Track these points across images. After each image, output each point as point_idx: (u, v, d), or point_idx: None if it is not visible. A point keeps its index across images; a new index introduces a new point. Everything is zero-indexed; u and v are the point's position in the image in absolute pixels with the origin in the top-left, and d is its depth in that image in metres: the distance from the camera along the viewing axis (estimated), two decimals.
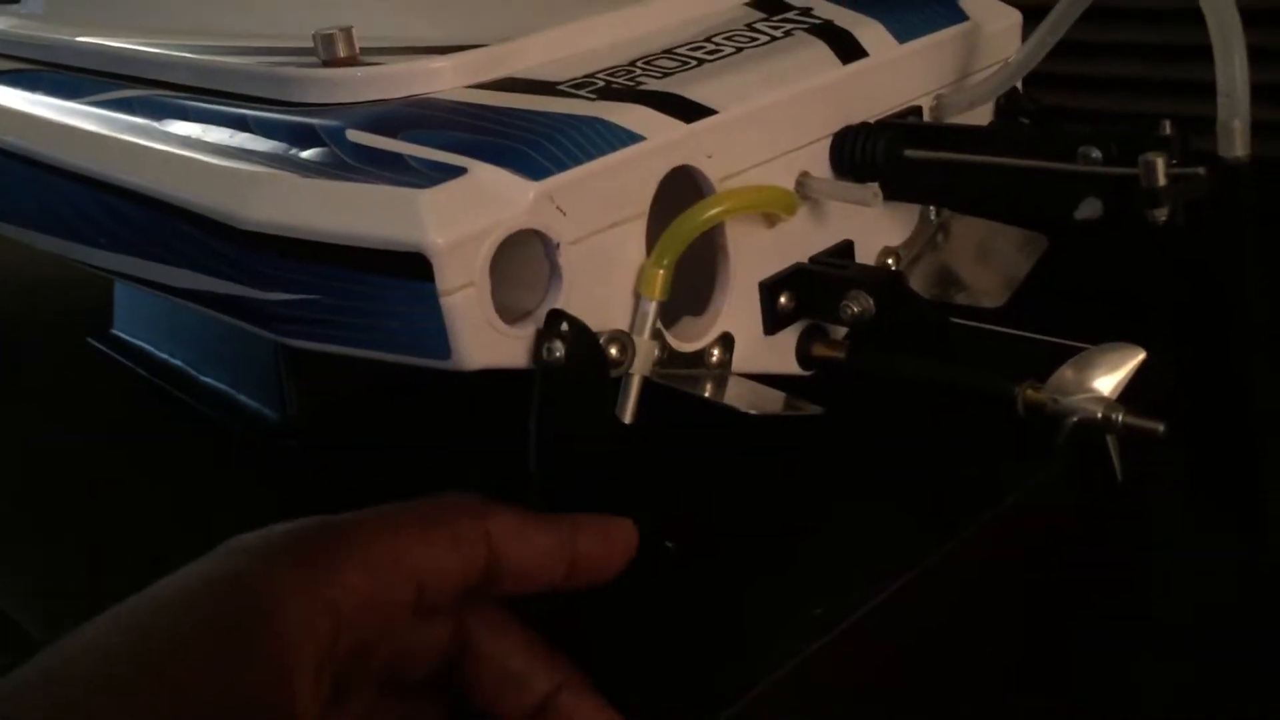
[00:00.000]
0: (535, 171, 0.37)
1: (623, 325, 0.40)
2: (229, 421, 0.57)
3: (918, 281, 0.49)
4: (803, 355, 0.46)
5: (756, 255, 0.44)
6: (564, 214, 0.37)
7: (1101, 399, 0.39)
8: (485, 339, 0.36)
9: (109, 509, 0.52)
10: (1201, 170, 0.38)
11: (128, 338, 0.66)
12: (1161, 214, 0.38)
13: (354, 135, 0.39)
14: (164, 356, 0.63)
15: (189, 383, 0.60)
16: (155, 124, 0.45)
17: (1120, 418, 0.38)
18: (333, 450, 0.53)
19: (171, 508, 0.51)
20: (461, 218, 0.36)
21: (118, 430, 0.59)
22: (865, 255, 0.47)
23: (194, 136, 0.44)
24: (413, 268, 0.35)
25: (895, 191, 0.44)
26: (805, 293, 0.44)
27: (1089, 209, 0.40)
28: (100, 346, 0.66)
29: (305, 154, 0.40)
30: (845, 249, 0.46)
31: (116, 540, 0.50)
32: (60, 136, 0.48)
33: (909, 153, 0.43)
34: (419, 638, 0.33)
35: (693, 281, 0.43)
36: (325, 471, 0.51)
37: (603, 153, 0.38)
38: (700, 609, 0.41)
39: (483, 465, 0.48)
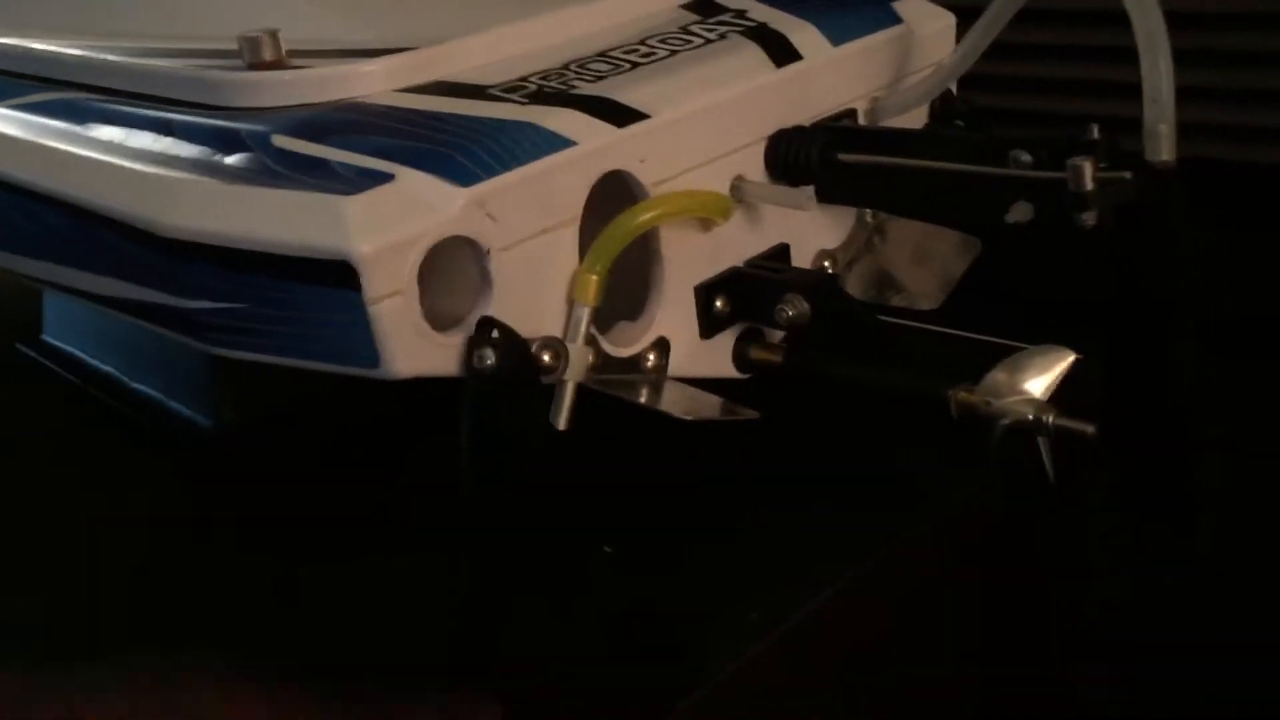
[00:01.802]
0: (464, 178, 0.37)
1: (556, 332, 0.39)
2: (161, 429, 0.56)
3: (855, 284, 0.49)
4: (739, 359, 0.46)
5: (692, 259, 0.43)
6: (494, 220, 0.37)
7: (1033, 401, 0.39)
8: (414, 347, 0.36)
9: (37, 517, 0.51)
10: (1129, 174, 0.38)
11: (58, 344, 0.64)
12: (1090, 218, 0.38)
13: (279, 140, 0.39)
14: (95, 363, 0.61)
15: (120, 390, 0.59)
16: (78, 128, 0.44)
17: (1051, 419, 0.38)
18: (265, 459, 0.52)
19: (102, 516, 0.50)
20: (388, 225, 0.35)
21: (48, 438, 0.58)
22: (802, 258, 0.47)
23: (117, 141, 0.43)
24: (339, 276, 0.35)
25: (830, 195, 0.44)
26: (741, 296, 0.44)
27: (1020, 213, 0.41)
28: (30, 353, 0.64)
29: (230, 160, 0.39)
30: (781, 252, 0.46)
31: (42, 548, 0.48)
32: None
33: (843, 156, 0.44)
34: None
35: (627, 286, 0.42)
36: (257, 480, 0.51)
37: (534, 158, 0.38)
38: (638, 614, 0.41)
39: (414, 473, 0.48)
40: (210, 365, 0.54)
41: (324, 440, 0.52)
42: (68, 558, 0.47)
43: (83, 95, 0.47)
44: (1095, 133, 0.40)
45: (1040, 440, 0.39)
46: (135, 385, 0.59)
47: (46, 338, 0.65)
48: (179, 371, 0.56)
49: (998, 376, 0.40)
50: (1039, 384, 0.39)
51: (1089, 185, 0.38)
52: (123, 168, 0.40)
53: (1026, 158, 0.41)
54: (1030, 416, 0.39)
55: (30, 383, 0.62)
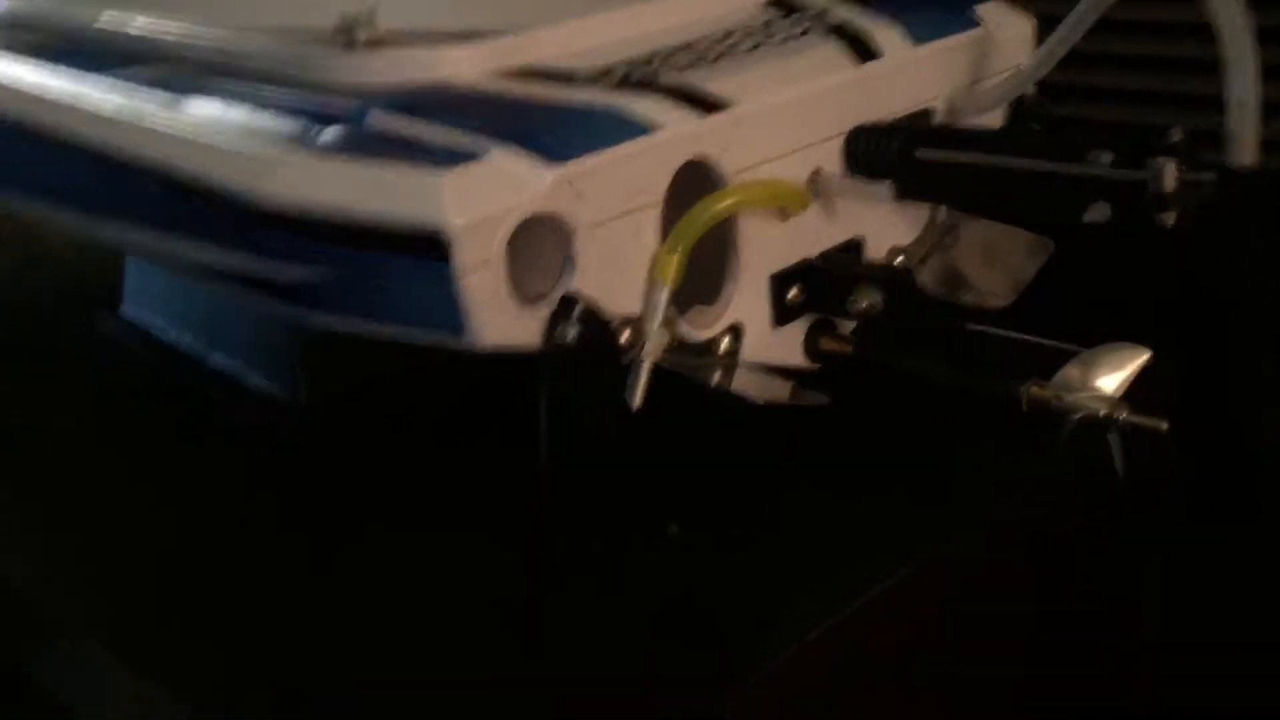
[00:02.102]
0: (554, 156, 0.38)
1: (634, 312, 0.40)
2: (239, 402, 0.57)
3: (925, 281, 0.50)
4: (810, 348, 0.46)
5: (768, 248, 0.44)
6: (581, 199, 0.38)
7: (1105, 397, 0.39)
8: (499, 319, 0.37)
9: (116, 492, 0.52)
10: (1211, 176, 0.38)
11: (136, 317, 0.66)
12: (1170, 218, 0.39)
13: (375, 118, 0.40)
14: (173, 336, 0.63)
15: (198, 363, 0.61)
16: (175, 101, 0.46)
17: (1123, 416, 0.39)
18: (343, 434, 0.53)
19: (180, 491, 0.51)
20: (480, 200, 0.36)
21: (125, 410, 0.59)
22: (874, 253, 0.48)
23: (215, 115, 0.44)
24: (431, 248, 0.36)
25: (906, 191, 0.45)
26: (814, 287, 0.45)
27: (1097, 213, 0.41)
28: (108, 325, 0.66)
29: (326, 135, 0.40)
30: (854, 246, 0.47)
31: (122, 523, 0.50)
32: (81, 113, 0.48)
33: (921, 153, 0.44)
34: None
35: (703, 272, 0.43)
36: (335, 455, 0.52)
37: (620, 141, 0.39)
38: (700, 594, 0.41)
39: (492, 452, 0.49)
40: (289, 340, 0.55)
41: (400, 416, 0.53)
42: (142, 535, 0.48)
43: (179, 71, 0.48)
44: (1177, 136, 0.40)
45: (1111, 437, 0.40)
46: (213, 359, 0.60)
47: (125, 311, 0.66)
48: (258, 346, 0.58)
49: (1071, 372, 0.40)
50: (1112, 380, 0.40)
51: (1171, 186, 0.38)
52: (221, 139, 0.42)
53: (1106, 158, 0.41)
54: (1102, 413, 0.39)
55: (108, 355, 0.64)
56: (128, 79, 0.49)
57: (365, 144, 0.39)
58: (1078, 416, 0.39)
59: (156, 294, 0.65)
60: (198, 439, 0.56)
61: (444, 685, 0.38)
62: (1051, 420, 0.40)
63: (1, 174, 0.53)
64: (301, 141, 0.40)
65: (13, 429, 0.58)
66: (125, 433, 0.57)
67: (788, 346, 0.46)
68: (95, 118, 0.47)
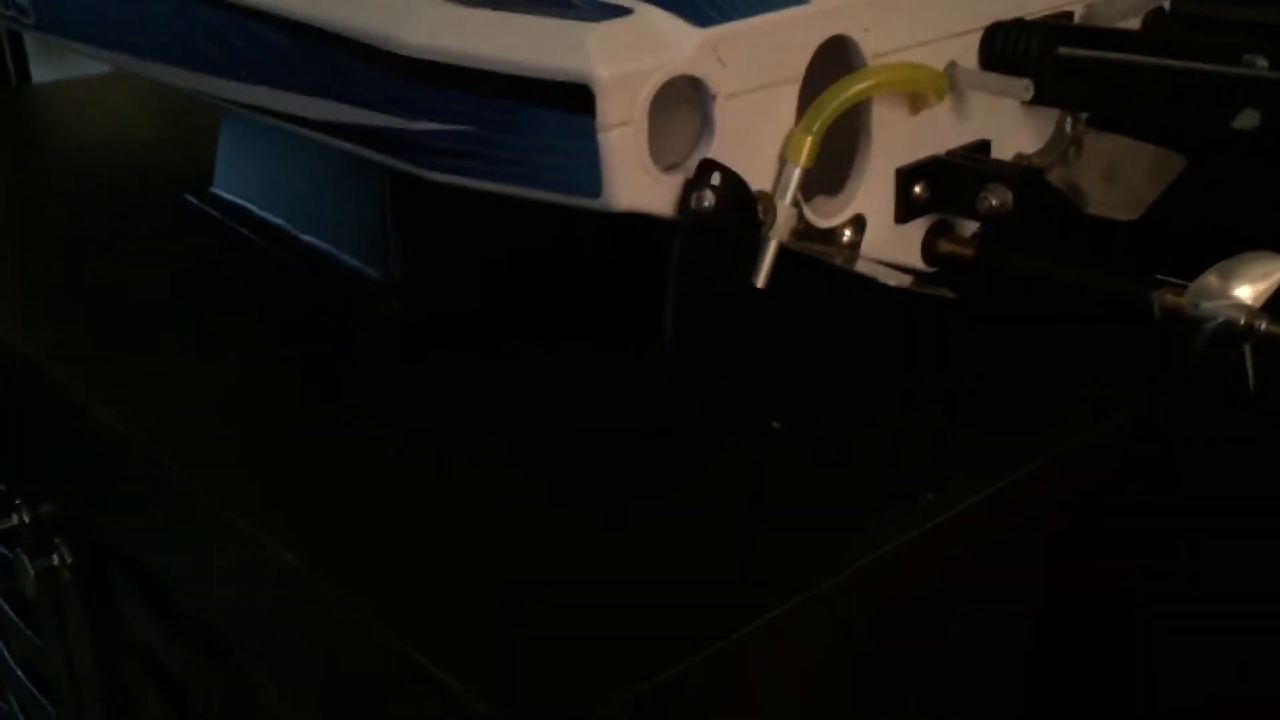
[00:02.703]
0: (701, 18, 0.37)
1: (765, 188, 0.39)
2: (329, 281, 0.57)
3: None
4: (928, 251, 0.46)
5: (897, 142, 0.43)
6: (724, 66, 0.37)
7: (1244, 306, 0.38)
8: (636, 180, 0.36)
9: (204, 372, 0.52)
10: None
11: (228, 196, 0.65)
12: None
13: None
14: (264, 215, 0.63)
15: (289, 241, 0.60)
16: None
17: (1264, 325, 0.38)
18: (434, 314, 0.53)
19: (268, 371, 0.51)
20: (627, 55, 0.35)
21: (213, 286, 0.59)
22: (999, 157, 0.47)
23: None
24: (574, 100, 0.35)
25: (1044, 92, 0.44)
26: (941, 184, 0.44)
27: (1247, 120, 0.40)
28: (199, 204, 0.66)
29: None
30: (982, 147, 0.46)
31: (208, 401, 0.49)
32: None
33: (1063, 50, 0.43)
34: None
35: (831, 162, 0.42)
36: (425, 334, 0.52)
37: (767, 10, 0.38)
38: (799, 492, 0.41)
39: (585, 331, 0.49)
40: (381, 218, 0.55)
41: (491, 299, 0.52)
42: (232, 409, 0.48)
43: None
44: None
45: (1246, 348, 0.39)
46: (304, 237, 0.60)
47: (216, 190, 0.66)
48: (348, 224, 0.57)
49: (1209, 279, 0.39)
50: (1251, 290, 0.39)
51: None
52: None
53: (1263, 62, 0.40)
54: (1241, 321, 0.38)
55: (199, 233, 0.64)
56: None
57: None
58: (1215, 324, 0.38)
59: (248, 174, 0.65)
60: (292, 311, 0.56)
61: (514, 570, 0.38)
62: (1184, 329, 0.39)
63: (124, 33, 0.53)
64: None
65: (112, 306, 0.58)
66: (222, 307, 0.57)
67: (907, 245, 0.45)
68: None
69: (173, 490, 0.46)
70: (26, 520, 0.60)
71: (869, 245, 0.43)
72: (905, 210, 0.44)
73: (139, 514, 0.51)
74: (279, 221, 0.62)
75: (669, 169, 0.38)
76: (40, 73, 1.22)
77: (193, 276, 0.60)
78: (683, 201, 0.37)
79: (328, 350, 0.53)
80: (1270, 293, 0.39)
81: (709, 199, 0.37)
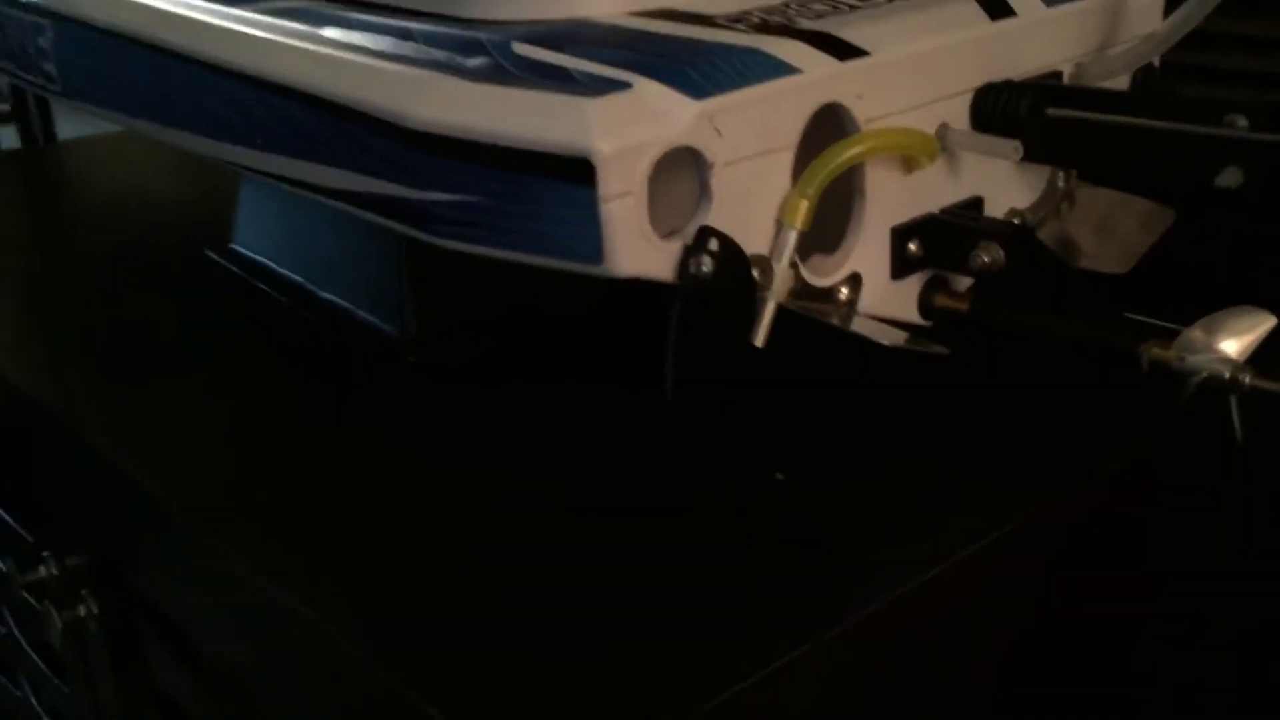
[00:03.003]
0: (698, 91, 0.38)
1: (761, 252, 0.41)
2: (348, 337, 0.58)
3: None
4: (924, 305, 0.47)
5: (891, 201, 0.45)
6: (720, 136, 0.39)
7: (1229, 359, 0.39)
8: (637, 248, 0.38)
9: (225, 423, 0.54)
10: None
11: (247, 252, 0.67)
12: None
13: (520, 48, 0.41)
14: (283, 271, 0.64)
15: (308, 298, 0.62)
16: (320, 31, 0.47)
17: (1248, 379, 0.39)
18: (451, 369, 0.55)
19: (289, 423, 0.52)
20: (626, 128, 0.37)
21: (235, 344, 0.61)
22: (992, 213, 0.48)
23: (359, 44, 0.45)
24: (576, 173, 0.37)
25: (1033, 151, 0.45)
26: (935, 241, 0.45)
27: (1230, 178, 0.41)
28: (219, 260, 0.67)
29: (471, 63, 0.41)
30: (975, 204, 0.47)
31: (233, 454, 0.51)
32: (223, 38, 0.50)
33: (1053, 111, 0.44)
34: None
35: (826, 222, 0.44)
36: (443, 389, 0.53)
37: (761, 81, 0.40)
38: (806, 538, 0.42)
39: (598, 387, 0.50)
40: (398, 275, 0.57)
41: (507, 353, 0.54)
42: (251, 465, 0.49)
43: (321, 4, 0.50)
44: None
45: (1232, 400, 0.40)
46: (323, 294, 0.61)
47: (236, 246, 0.68)
48: (366, 281, 0.59)
49: (1194, 334, 0.40)
50: (1235, 344, 0.40)
51: None
52: (370, 64, 0.43)
53: (1243, 122, 0.41)
54: (1226, 375, 0.39)
55: (219, 288, 0.66)
56: (270, 10, 0.50)
57: (512, 71, 0.40)
58: (1201, 377, 0.39)
59: (267, 231, 0.66)
60: (311, 367, 0.57)
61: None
62: (1172, 382, 0.40)
63: (144, 99, 0.55)
64: (448, 68, 0.41)
65: (135, 360, 0.59)
66: (241, 364, 0.59)
67: (903, 300, 0.46)
68: (238, 43, 0.49)
69: (195, 543, 0.47)
70: (55, 572, 0.61)
71: (866, 302, 0.45)
72: (900, 267, 0.45)
73: (164, 565, 0.52)
74: (298, 278, 0.63)
75: (668, 235, 0.39)
76: (66, 129, 1.25)
77: (214, 331, 0.62)
78: (682, 267, 0.39)
79: (348, 405, 0.54)
80: (1255, 346, 0.40)
81: (707, 265, 0.38)
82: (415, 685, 0.35)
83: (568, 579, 0.39)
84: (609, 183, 0.37)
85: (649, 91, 0.38)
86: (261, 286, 0.64)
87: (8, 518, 0.66)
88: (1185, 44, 0.47)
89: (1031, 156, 0.45)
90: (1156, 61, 0.50)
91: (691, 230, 0.39)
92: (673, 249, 0.39)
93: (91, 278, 0.70)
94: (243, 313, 0.63)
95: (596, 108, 0.37)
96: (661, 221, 0.39)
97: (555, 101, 0.38)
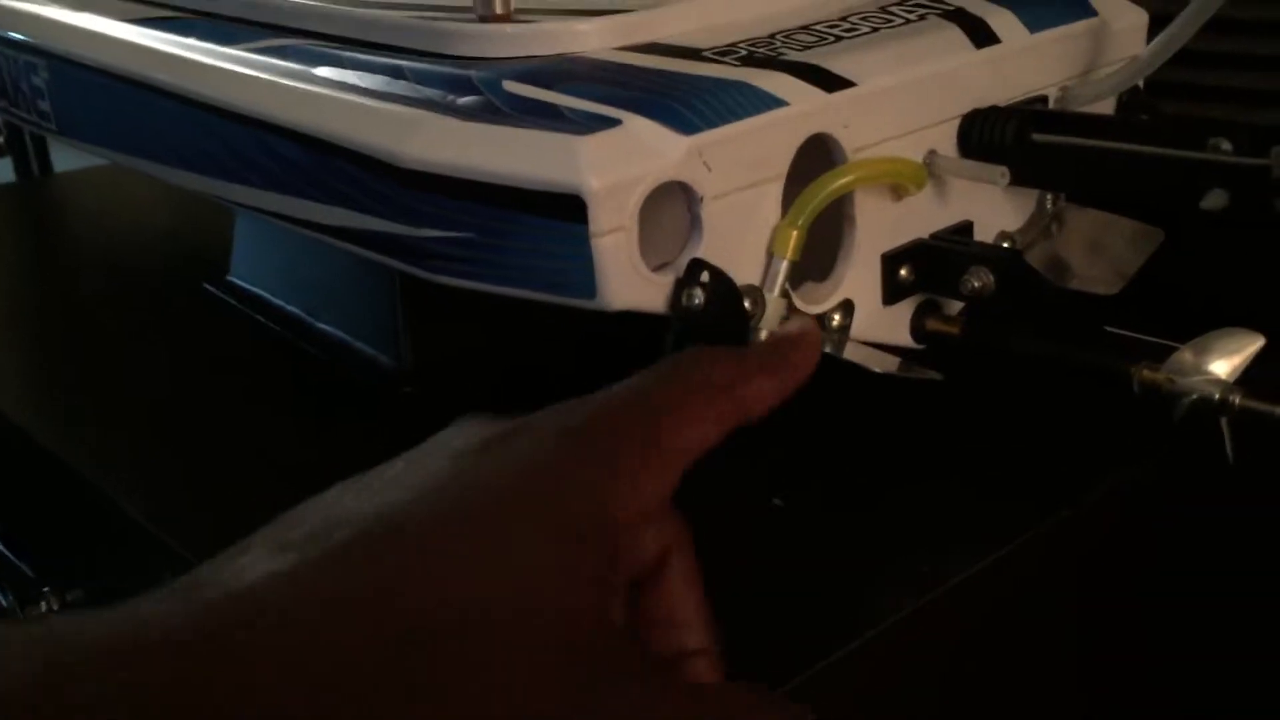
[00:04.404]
0: (686, 126, 0.39)
1: (753, 282, 0.41)
2: (346, 368, 0.59)
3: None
4: (916, 329, 0.47)
5: (881, 228, 0.45)
6: (709, 170, 0.39)
7: (1219, 380, 0.40)
8: (629, 282, 0.38)
9: (225, 454, 0.54)
10: None
11: (245, 285, 0.68)
12: None
13: (511, 86, 0.41)
14: (281, 304, 0.65)
15: (306, 329, 0.62)
16: (312, 70, 0.48)
17: (1238, 400, 0.39)
18: (449, 398, 0.55)
19: (288, 453, 0.53)
20: (616, 165, 0.37)
21: (235, 375, 0.61)
22: (982, 237, 0.48)
23: (351, 83, 0.46)
24: (567, 210, 0.37)
25: (1020, 176, 0.46)
26: (926, 266, 0.45)
27: (1214, 200, 0.41)
28: (217, 293, 0.68)
29: (462, 101, 0.42)
30: (964, 229, 0.47)
31: (231, 486, 0.51)
32: (218, 78, 0.50)
33: (1038, 136, 0.45)
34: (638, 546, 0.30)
35: (818, 249, 0.44)
36: (441, 419, 0.53)
37: (748, 114, 0.40)
38: (799, 566, 0.42)
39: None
40: (395, 306, 0.57)
41: (505, 383, 0.54)
42: (249, 496, 0.50)
43: (314, 43, 0.50)
44: None
45: (1223, 421, 0.40)
46: (321, 325, 0.62)
47: (233, 279, 0.69)
48: (364, 312, 0.59)
49: (1184, 355, 0.41)
50: (1225, 365, 0.40)
51: None
52: (363, 104, 0.43)
53: (1226, 145, 0.41)
54: (1217, 396, 0.39)
55: (218, 322, 0.66)
56: (262, 49, 0.51)
57: (503, 109, 0.40)
58: (1191, 399, 0.40)
59: (264, 263, 0.67)
60: (310, 398, 0.57)
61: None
62: (1163, 403, 0.41)
63: (138, 138, 0.56)
64: (440, 106, 0.42)
65: (133, 394, 0.59)
66: (240, 395, 0.59)
67: (896, 325, 0.47)
68: (233, 83, 0.49)
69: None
70: (55, 608, 0.62)
71: (858, 327, 0.45)
72: (891, 293, 0.46)
73: None
74: (295, 310, 0.64)
75: (660, 268, 0.39)
76: (62, 160, 1.25)
77: (213, 364, 0.62)
78: (674, 299, 0.39)
79: (345, 436, 0.55)
80: (1245, 367, 0.40)
81: (699, 297, 0.39)
82: None
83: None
84: (600, 219, 0.37)
85: (638, 128, 0.38)
86: (259, 318, 0.65)
87: (7, 553, 0.66)
88: (1168, 61, 0.47)
89: (1019, 181, 0.45)
90: (1141, 83, 0.51)
91: (683, 263, 0.39)
92: (665, 282, 0.39)
93: (89, 312, 0.70)
94: (241, 345, 0.64)
95: (587, 145, 0.37)
96: (653, 254, 0.39)
97: (546, 139, 0.38)
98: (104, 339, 0.66)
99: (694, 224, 0.40)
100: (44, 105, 0.63)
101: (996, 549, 0.42)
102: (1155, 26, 0.49)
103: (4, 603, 0.66)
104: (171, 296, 0.70)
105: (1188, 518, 0.49)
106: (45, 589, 0.62)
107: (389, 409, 0.55)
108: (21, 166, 1.26)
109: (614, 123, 0.39)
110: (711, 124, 0.39)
